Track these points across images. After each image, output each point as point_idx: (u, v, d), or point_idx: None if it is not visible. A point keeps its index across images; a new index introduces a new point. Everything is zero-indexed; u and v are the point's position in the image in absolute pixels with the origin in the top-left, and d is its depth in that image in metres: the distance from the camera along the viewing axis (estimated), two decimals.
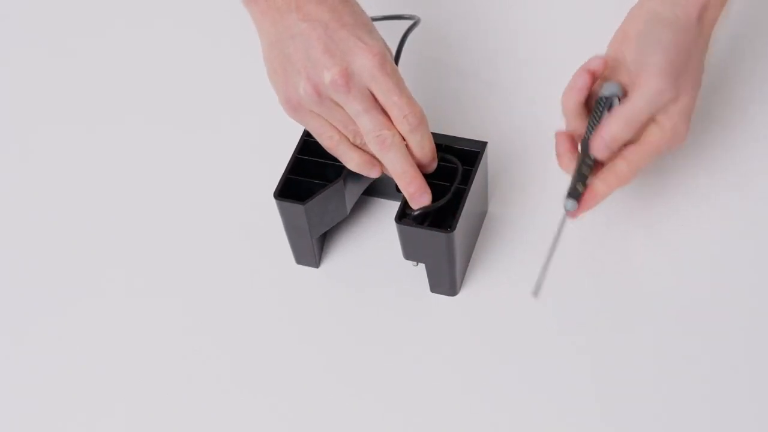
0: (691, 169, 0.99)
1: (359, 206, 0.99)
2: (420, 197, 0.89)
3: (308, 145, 0.93)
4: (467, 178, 0.91)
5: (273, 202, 0.92)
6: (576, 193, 0.88)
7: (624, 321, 0.91)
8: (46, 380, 0.93)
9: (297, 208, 0.91)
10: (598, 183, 0.88)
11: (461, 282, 0.94)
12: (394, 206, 0.97)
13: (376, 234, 0.98)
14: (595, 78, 0.89)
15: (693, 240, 0.95)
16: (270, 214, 0.94)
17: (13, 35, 1.19)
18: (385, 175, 0.91)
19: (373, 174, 0.91)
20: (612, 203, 0.97)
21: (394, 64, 0.88)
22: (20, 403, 0.92)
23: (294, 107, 0.89)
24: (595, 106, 0.88)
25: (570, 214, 0.89)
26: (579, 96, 0.88)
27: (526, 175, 1.00)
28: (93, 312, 0.96)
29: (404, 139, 0.88)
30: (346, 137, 0.89)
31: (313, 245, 0.95)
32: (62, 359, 0.94)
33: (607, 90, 0.87)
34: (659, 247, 0.95)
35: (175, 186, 1.04)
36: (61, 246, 1.01)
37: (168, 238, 1.00)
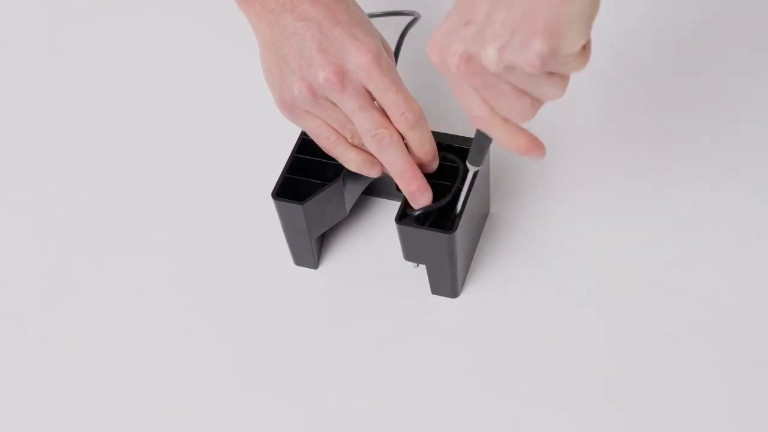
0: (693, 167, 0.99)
1: (359, 206, 0.98)
2: (420, 197, 0.88)
3: (307, 144, 0.93)
4: None
5: (271, 201, 0.91)
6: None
7: (628, 322, 0.90)
8: (41, 381, 0.92)
9: (295, 208, 0.90)
10: None
11: (462, 284, 0.93)
12: (395, 206, 0.97)
13: (376, 234, 0.97)
14: None
15: (695, 240, 0.95)
16: (268, 214, 0.94)
17: (7, 30, 1.18)
18: (386, 174, 0.90)
19: (373, 174, 0.90)
20: (615, 205, 0.97)
21: (391, 61, 0.87)
22: (18, 403, 0.91)
23: (289, 108, 0.88)
24: None
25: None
26: None
27: (529, 175, 0.99)
28: (88, 314, 0.96)
29: (403, 138, 0.87)
30: (343, 137, 0.88)
31: (311, 246, 0.94)
32: (57, 360, 0.93)
33: None
34: (661, 247, 0.94)
35: (172, 185, 1.03)
36: (57, 245, 1.00)
37: (165, 238, 1.00)
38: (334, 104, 0.86)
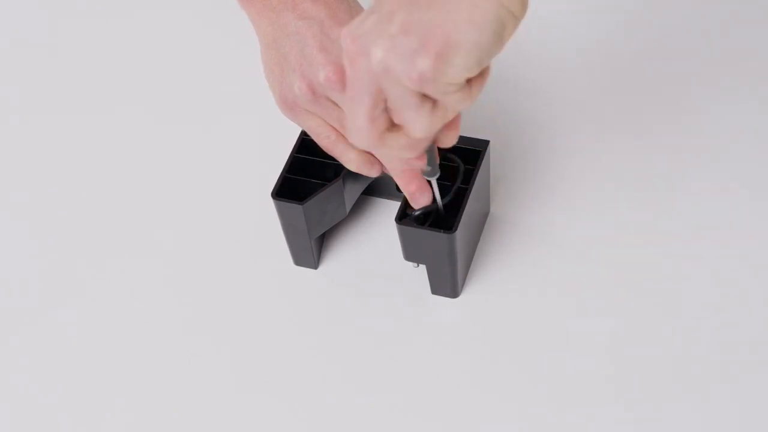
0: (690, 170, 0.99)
1: (359, 206, 0.98)
2: (420, 197, 0.88)
3: (307, 144, 0.93)
4: (469, 178, 0.90)
5: (271, 201, 0.91)
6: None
7: (628, 322, 0.90)
8: (41, 381, 0.92)
9: (295, 208, 0.90)
10: None
11: (463, 284, 0.93)
12: (394, 206, 0.97)
13: (376, 234, 0.97)
14: None
15: (697, 240, 0.94)
16: (268, 214, 0.93)
17: (6, 30, 1.18)
18: (386, 174, 0.90)
19: (373, 173, 0.90)
20: (616, 205, 0.97)
21: None
22: (18, 403, 0.91)
23: (290, 106, 0.88)
24: None
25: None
26: None
27: (529, 175, 0.99)
28: (88, 314, 0.95)
29: None
30: (343, 137, 0.88)
31: (311, 246, 0.94)
32: (57, 360, 0.93)
33: None
34: (661, 247, 0.94)
35: (171, 185, 1.03)
36: (57, 245, 1.00)
37: (165, 238, 0.99)
38: (335, 103, 0.86)
